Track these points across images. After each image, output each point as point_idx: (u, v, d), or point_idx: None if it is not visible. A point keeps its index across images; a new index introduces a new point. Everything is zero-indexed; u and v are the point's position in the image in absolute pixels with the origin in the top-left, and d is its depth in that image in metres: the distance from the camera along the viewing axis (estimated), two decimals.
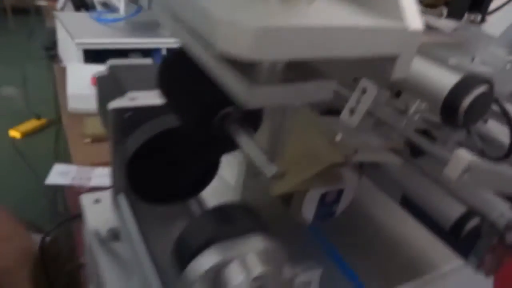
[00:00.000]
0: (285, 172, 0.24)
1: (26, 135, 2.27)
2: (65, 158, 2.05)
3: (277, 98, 0.20)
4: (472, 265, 0.45)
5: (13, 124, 2.28)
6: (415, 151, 0.37)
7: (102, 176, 0.80)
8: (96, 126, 0.95)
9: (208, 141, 0.31)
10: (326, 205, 0.46)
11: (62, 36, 1.16)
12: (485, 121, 0.44)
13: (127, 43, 1.05)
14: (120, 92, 0.42)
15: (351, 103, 0.32)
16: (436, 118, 0.40)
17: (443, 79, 0.26)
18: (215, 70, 0.21)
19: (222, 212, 0.30)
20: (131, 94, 0.41)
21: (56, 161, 2.16)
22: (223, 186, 0.52)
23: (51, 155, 2.11)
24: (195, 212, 0.44)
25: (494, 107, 0.28)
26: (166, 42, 1.07)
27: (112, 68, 0.46)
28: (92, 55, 1.01)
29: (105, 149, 0.92)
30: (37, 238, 1.42)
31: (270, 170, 0.24)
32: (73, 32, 1.02)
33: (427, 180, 0.43)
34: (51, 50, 1.30)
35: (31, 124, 2.31)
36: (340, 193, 0.47)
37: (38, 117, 2.35)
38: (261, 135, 0.27)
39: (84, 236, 0.58)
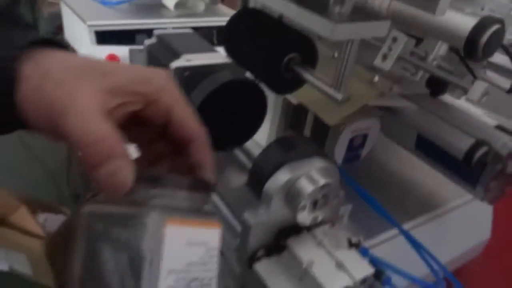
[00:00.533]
0: (349, 97, 0.30)
1: None
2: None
3: (351, 33, 0.27)
4: (479, 194, 0.53)
5: None
6: (434, 91, 0.44)
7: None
8: None
9: (276, 82, 0.37)
10: (353, 148, 0.53)
11: (69, 20, 1.20)
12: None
13: (136, 24, 1.09)
14: (173, 56, 0.48)
15: (383, 50, 0.39)
16: (449, 65, 0.48)
17: (465, 22, 0.33)
18: (301, 17, 0.28)
19: (286, 142, 0.37)
20: (186, 56, 0.46)
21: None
22: (255, 145, 0.59)
23: (52, 144, 2.14)
24: (242, 160, 0.51)
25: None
26: (171, 22, 1.11)
27: (160, 37, 0.52)
28: (102, 37, 1.05)
29: None
30: (52, 216, 1.47)
31: (337, 96, 0.30)
32: (84, 15, 1.07)
33: (440, 120, 0.50)
34: (56, 35, 1.33)
35: None
36: (364, 138, 0.54)
37: None
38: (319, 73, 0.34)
39: None
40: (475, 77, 0.47)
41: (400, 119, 0.54)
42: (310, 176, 0.34)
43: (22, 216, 1.31)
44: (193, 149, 0.24)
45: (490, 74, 0.54)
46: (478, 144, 0.46)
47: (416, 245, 0.47)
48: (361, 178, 0.59)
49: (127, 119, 0.23)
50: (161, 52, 0.50)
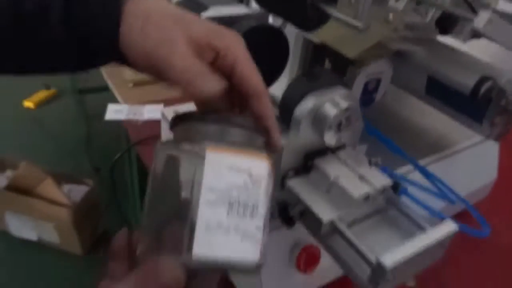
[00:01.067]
0: (367, 31, 0.34)
1: (39, 105, 2.34)
2: (96, 118, 2.14)
3: None
4: (485, 131, 0.57)
5: (24, 96, 2.35)
6: (444, 28, 0.48)
7: (153, 111, 0.91)
8: (135, 73, 1.05)
9: (303, 20, 0.42)
10: (368, 92, 0.58)
11: None
12: None
13: None
14: (201, 8, 0.52)
15: None
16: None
17: None
18: None
19: (311, 73, 0.41)
20: (213, 8, 0.51)
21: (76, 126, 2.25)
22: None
23: (66, 122, 2.20)
24: None
25: None
26: None
27: None
28: None
29: (147, 91, 1.02)
30: (75, 187, 1.53)
31: (358, 24, 0.35)
32: None
33: (448, 62, 0.54)
34: None
35: (43, 94, 2.37)
36: (378, 83, 0.58)
37: (48, 88, 2.42)
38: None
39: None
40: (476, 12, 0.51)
41: (411, 63, 0.58)
42: (334, 100, 0.39)
43: (48, 187, 1.38)
44: (254, 103, 0.28)
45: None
46: (484, 79, 0.50)
47: (431, 177, 0.52)
48: (374, 124, 0.63)
49: None
50: (190, 5, 0.54)
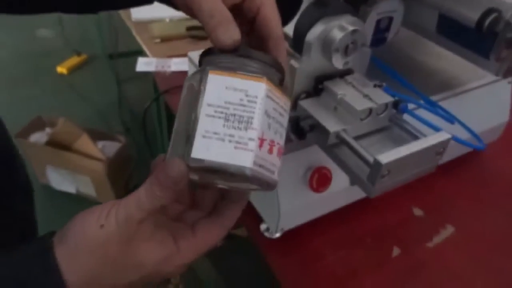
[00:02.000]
0: None
1: (71, 70, 2.44)
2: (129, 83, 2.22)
3: None
4: (492, 67, 0.60)
5: (57, 62, 2.46)
6: None
7: (179, 63, 0.97)
8: (162, 29, 1.10)
9: None
10: (380, 31, 0.61)
11: None
12: None
13: None
14: None
15: None
16: None
17: None
18: None
19: (321, 2, 0.45)
20: None
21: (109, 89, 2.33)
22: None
23: (98, 85, 2.30)
24: None
25: None
26: None
27: None
28: None
29: (174, 46, 1.08)
30: (108, 143, 1.62)
31: None
32: None
33: None
34: None
35: (74, 60, 2.48)
36: (390, 21, 0.61)
37: (79, 54, 2.51)
38: None
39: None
40: None
41: (422, 1, 0.60)
42: (341, 25, 0.43)
43: (85, 143, 1.48)
44: (271, 44, 0.31)
45: None
46: (488, 11, 0.52)
47: (433, 104, 0.56)
48: (389, 61, 0.67)
49: (229, 9, 0.30)
50: None
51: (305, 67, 0.45)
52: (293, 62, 0.45)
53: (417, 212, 0.68)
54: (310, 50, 0.44)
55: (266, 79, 0.26)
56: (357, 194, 0.64)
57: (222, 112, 0.25)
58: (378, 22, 0.60)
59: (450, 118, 0.48)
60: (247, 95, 0.25)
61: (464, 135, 0.58)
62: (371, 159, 0.38)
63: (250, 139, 0.25)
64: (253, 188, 0.28)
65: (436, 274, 0.59)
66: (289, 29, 0.50)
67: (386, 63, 0.64)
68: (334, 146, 0.44)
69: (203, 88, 0.26)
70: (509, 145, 0.81)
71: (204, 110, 0.26)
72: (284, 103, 0.28)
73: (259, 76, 0.26)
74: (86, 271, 0.26)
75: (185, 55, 1.02)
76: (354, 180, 0.42)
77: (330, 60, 0.44)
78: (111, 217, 0.27)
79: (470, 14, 0.54)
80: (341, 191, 0.59)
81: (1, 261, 0.27)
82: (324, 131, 0.43)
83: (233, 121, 0.25)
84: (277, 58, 0.30)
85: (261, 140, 0.25)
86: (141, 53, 1.11)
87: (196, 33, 1.10)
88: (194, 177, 0.27)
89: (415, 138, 0.44)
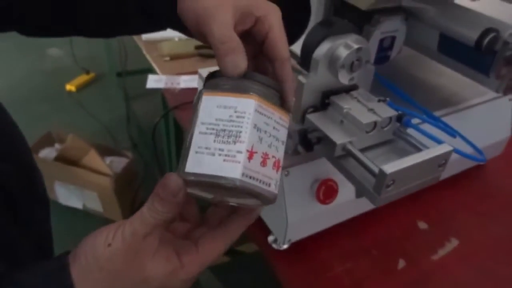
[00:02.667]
0: None
1: (79, 88, 2.49)
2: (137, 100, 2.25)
3: None
4: (492, 84, 0.62)
5: (66, 80, 2.51)
6: None
7: (188, 81, 1.00)
8: (172, 47, 1.14)
9: None
10: (383, 49, 0.64)
11: None
12: None
13: None
14: None
15: None
16: None
17: None
18: None
19: (328, 22, 0.48)
20: None
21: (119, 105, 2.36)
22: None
23: (105, 103, 2.34)
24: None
25: None
26: None
27: None
28: None
29: (183, 64, 1.11)
30: (116, 159, 1.64)
31: None
32: None
33: (458, 19, 0.59)
34: None
35: (83, 78, 2.53)
36: (393, 40, 0.64)
37: (87, 72, 2.57)
38: None
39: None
40: None
41: (424, 21, 0.63)
42: (347, 43, 0.46)
43: (93, 158, 1.51)
44: (278, 66, 0.33)
45: None
46: (487, 31, 0.55)
47: (435, 118, 0.58)
48: (392, 79, 0.69)
49: (239, 34, 0.33)
50: None
51: (312, 82, 0.48)
52: (301, 78, 0.47)
53: (422, 225, 0.70)
54: (317, 66, 0.47)
55: (256, 95, 0.28)
56: (363, 206, 0.65)
57: (213, 129, 0.27)
58: (382, 41, 0.63)
59: (452, 132, 0.50)
60: (236, 111, 0.27)
61: (466, 150, 0.60)
62: (376, 169, 0.40)
63: (238, 151, 0.26)
64: (258, 204, 0.29)
65: (442, 286, 0.60)
66: (297, 47, 0.53)
67: (389, 80, 0.67)
68: (341, 157, 0.46)
69: (198, 108, 0.28)
70: (510, 160, 0.83)
71: (197, 128, 0.28)
72: (280, 118, 0.29)
73: (249, 93, 0.28)
74: (98, 287, 0.28)
75: (194, 72, 1.06)
76: (360, 190, 0.44)
77: (336, 76, 0.47)
78: (118, 236, 0.28)
79: (470, 34, 0.57)
80: (347, 203, 0.61)
81: (21, 278, 0.28)
82: (331, 143, 0.45)
83: (223, 136, 0.27)
84: (282, 79, 0.32)
85: (251, 153, 0.26)
86: (150, 71, 1.14)
87: (204, 52, 1.14)
88: (195, 191, 0.29)
89: (419, 150, 0.45)
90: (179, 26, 0.37)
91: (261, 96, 0.28)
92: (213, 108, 0.28)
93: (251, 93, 0.28)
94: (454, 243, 0.67)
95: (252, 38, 0.34)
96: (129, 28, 0.45)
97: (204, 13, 0.31)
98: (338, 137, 0.45)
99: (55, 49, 2.83)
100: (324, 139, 0.46)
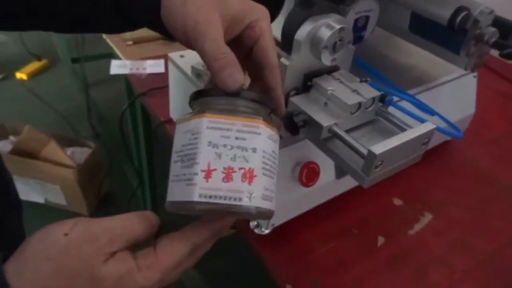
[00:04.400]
0: None
1: (31, 76, 2.35)
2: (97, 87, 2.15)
3: None
4: (462, 61, 0.63)
5: (16, 68, 2.36)
6: None
7: (154, 65, 0.96)
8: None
9: None
10: (357, 29, 0.63)
11: None
12: None
13: None
14: None
15: None
16: None
17: None
18: None
19: (308, 2, 0.47)
20: None
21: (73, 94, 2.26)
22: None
23: (61, 91, 2.22)
24: None
25: None
26: None
27: None
28: None
29: (147, 48, 1.06)
30: (78, 149, 1.57)
31: None
32: None
33: None
34: None
35: (34, 65, 2.38)
36: (367, 20, 0.64)
37: (39, 59, 2.42)
38: None
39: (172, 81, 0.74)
40: None
41: (395, 0, 0.64)
42: (329, 24, 0.45)
43: (53, 150, 1.44)
44: (268, 73, 0.32)
45: None
46: (459, 10, 0.56)
47: (411, 97, 0.59)
48: (366, 59, 0.69)
49: (228, 41, 0.32)
50: None
51: (295, 64, 0.47)
52: (283, 60, 0.46)
53: (397, 202, 0.71)
54: (300, 48, 0.46)
55: (209, 112, 0.27)
56: (342, 187, 0.66)
57: (180, 156, 0.28)
58: (356, 21, 0.62)
59: (431, 111, 0.51)
60: (192, 134, 0.27)
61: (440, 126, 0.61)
62: (365, 151, 0.40)
63: (195, 173, 0.26)
64: (237, 217, 0.29)
65: (420, 259, 0.62)
66: (273, 30, 0.52)
67: (363, 61, 0.67)
68: (326, 140, 0.45)
69: (174, 138, 0.29)
70: (475, 135, 0.86)
71: (172, 158, 0.29)
72: (244, 125, 0.27)
73: (204, 112, 0.27)
74: (40, 281, 0.25)
75: (159, 56, 1.02)
76: (347, 171, 0.44)
77: (318, 57, 0.46)
78: (79, 228, 0.26)
79: (442, 13, 0.57)
80: (328, 184, 0.61)
81: None
82: (317, 126, 0.44)
83: (185, 160, 0.27)
84: (272, 86, 0.32)
85: (208, 172, 0.26)
86: (111, 56, 1.09)
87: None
88: (183, 212, 0.29)
89: (401, 129, 0.46)
90: (161, 29, 0.34)
91: (216, 111, 0.27)
92: (181, 135, 0.28)
93: (206, 111, 0.27)
94: (428, 217, 0.69)
95: (242, 43, 0.33)
96: (104, 29, 0.42)
97: (194, 29, 0.29)
98: (324, 119, 0.44)
99: (1, 34, 2.64)
100: (309, 122, 0.45)
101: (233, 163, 0.26)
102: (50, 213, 1.57)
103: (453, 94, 0.76)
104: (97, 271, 0.26)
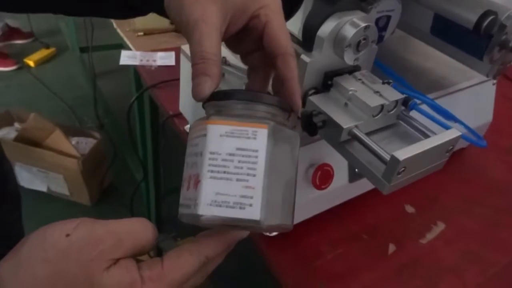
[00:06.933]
0: None
1: (39, 63, 2.34)
2: (104, 77, 2.14)
3: None
4: (485, 68, 0.61)
5: (24, 55, 2.35)
6: None
7: (165, 58, 0.94)
8: (145, 22, 1.07)
9: None
10: (378, 29, 0.61)
11: None
12: None
13: None
14: None
15: None
16: None
17: None
18: None
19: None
20: None
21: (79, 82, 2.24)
22: None
23: (68, 80, 2.21)
24: None
25: None
26: None
27: None
28: None
29: (158, 39, 1.05)
30: (83, 140, 1.56)
31: None
32: None
33: (455, 1, 0.58)
34: None
35: (42, 53, 2.37)
36: (388, 20, 0.62)
37: (47, 46, 2.41)
38: None
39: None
40: None
41: (419, 1, 0.61)
42: (354, 21, 0.43)
43: (58, 139, 1.42)
44: (279, 62, 0.29)
45: None
46: (486, 14, 0.54)
47: (433, 103, 0.57)
48: (385, 61, 0.67)
49: (235, 31, 0.30)
50: None
51: (316, 62, 0.45)
52: (304, 57, 0.44)
53: (409, 209, 0.69)
54: (322, 45, 0.44)
55: (211, 120, 0.27)
56: (354, 191, 0.64)
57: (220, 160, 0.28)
58: (377, 20, 0.60)
59: (453, 117, 0.49)
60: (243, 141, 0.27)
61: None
62: (387, 156, 0.38)
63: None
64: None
65: (431, 270, 0.60)
66: (290, 26, 0.50)
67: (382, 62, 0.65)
68: (345, 142, 0.44)
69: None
70: (489, 144, 0.84)
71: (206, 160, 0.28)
72: (200, 129, 0.27)
73: (206, 119, 0.28)
74: (35, 285, 0.23)
75: (170, 49, 1.00)
76: (367, 176, 0.42)
77: (341, 55, 0.44)
78: (81, 228, 0.24)
79: (468, 16, 0.55)
80: (340, 188, 0.59)
81: None
82: (336, 127, 0.42)
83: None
84: (285, 77, 0.30)
85: (185, 181, 0.27)
86: (120, 46, 1.07)
87: None
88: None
89: (423, 134, 0.44)
90: (166, 16, 0.33)
91: (194, 122, 0.28)
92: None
93: (209, 119, 0.28)
94: (440, 226, 0.67)
95: (250, 34, 0.31)
96: (110, 14, 0.40)
97: (187, 26, 0.28)
98: (344, 121, 0.42)
99: (11, 20, 2.62)
100: (328, 123, 0.43)
101: (191, 171, 0.26)
102: (52, 203, 1.56)
103: (471, 101, 0.74)
104: (97, 280, 0.23)
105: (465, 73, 0.72)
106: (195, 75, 0.27)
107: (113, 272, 0.24)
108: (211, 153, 0.25)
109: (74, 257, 0.23)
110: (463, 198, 0.73)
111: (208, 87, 0.27)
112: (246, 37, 0.32)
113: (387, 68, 0.62)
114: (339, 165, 0.57)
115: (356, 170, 0.43)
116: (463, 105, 0.73)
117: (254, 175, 0.25)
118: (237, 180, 0.25)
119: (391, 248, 0.62)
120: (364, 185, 0.64)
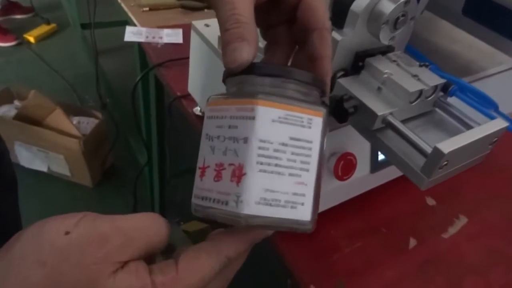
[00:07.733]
0: None
1: (39, 40, 2.28)
2: (106, 55, 2.08)
3: None
4: None
5: (25, 30, 2.28)
6: None
7: (172, 35, 0.89)
8: None
9: None
10: None
11: None
12: None
13: None
14: None
15: None
16: None
17: None
18: None
19: None
20: None
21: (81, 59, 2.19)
22: None
23: (69, 58, 2.15)
24: None
25: None
26: None
27: None
28: None
29: (164, 16, 0.99)
30: (84, 119, 1.52)
31: None
32: None
33: None
34: None
35: (42, 29, 2.31)
36: None
37: (48, 22, 2.34)
38: None
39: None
40: None
41: None
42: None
43: (58, 118, 1.38)
44: (315, 37, 0.26)
45: None
46: None
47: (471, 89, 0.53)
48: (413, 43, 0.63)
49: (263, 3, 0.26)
50: None
51: (347, 40, 0.40)
52: (334, 34, 0.39)
53: (430, 201, 0.66)
54: (356, 21, 0.39)
55: (213, 99, 0.24)
56: (374, 182, 0.60)
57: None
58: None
59: (494, 104, 0.44)
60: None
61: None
62: (428, 148, 0.34)
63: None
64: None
65: (454, 267, 0.57)
66: None
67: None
68: (377, 131, 0.39)
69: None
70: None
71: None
72: (238, 109, 0.22)
73: (252, 98, 0.23)
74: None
75: (177, 25, 0.95)
76: (402, 169, 0.38)
77: (376, 34, 0.39)
78: (83, 224, 0.21)
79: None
80: (361, 178, 0.55)
81: None
82: (369, 114, 0.38)
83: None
84: (319, 54, 0.26)
85: (202, 169, 0.23)
86: (124, 23, 1.02)
87: (188, 3, 1.02)
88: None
89: (463, 123, 0.40)
90: None
91: (217, 99, 0.23)
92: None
93: (254, 98, 0.23)
94: (463, 220, 0.64)
95: (282, 3, 0.27)
96: None
97: None
98: (378, 107, 0.38)
99: None
100: (360, 109, 0.39)
101: (224, 159, 0.22)
102: (53, 183, 1.52)
103: (500, 88, 0.69)
104: (102, 286, 0.20)
105: (494, 58, 0.67)
106: (229, 40, 0.23)
107: (120, 277, 0.20)
108: (262, 141, 0.21)
109: (74, 259, 0.20)
110: (485, 191, 0.69)
111: (246, 53, 0.23)
112: (276, 8, 0.28)
113: (415, 50, 0.57)
114: (361, 154, 0.53)
115: (389, 161, 0.39)
116: (491, 92, 0.68)
117: (307, 170, 0.21)
118: (289, 175, 0.21)
119: (412, 242, 0.59)
120: (384, 176, 0.60)
